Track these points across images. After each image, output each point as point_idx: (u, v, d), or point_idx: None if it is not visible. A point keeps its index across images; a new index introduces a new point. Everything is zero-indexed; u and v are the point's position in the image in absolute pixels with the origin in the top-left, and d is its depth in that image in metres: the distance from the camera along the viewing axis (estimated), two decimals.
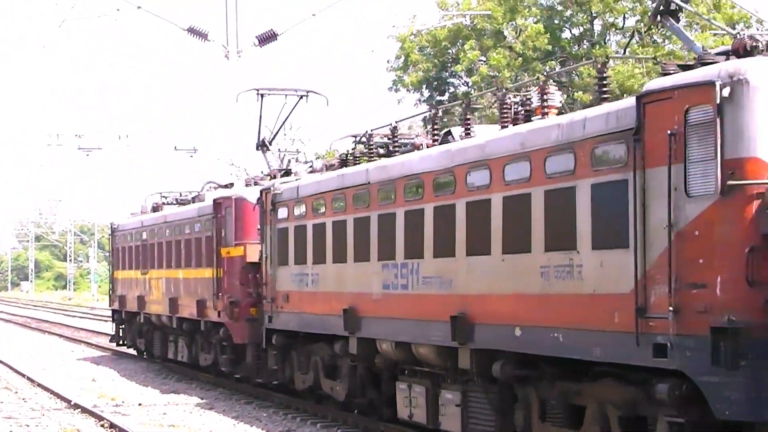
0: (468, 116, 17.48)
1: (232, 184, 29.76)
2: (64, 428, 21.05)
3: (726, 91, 10.96)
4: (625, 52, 47.10)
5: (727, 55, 12.30)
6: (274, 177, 25.32)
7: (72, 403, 24.45)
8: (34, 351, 40.99)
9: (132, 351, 37.03)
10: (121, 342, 37.49)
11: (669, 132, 11.50)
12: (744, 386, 10.71)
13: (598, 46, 48.48)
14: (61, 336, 49.93)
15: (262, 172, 28.01)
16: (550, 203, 13.58)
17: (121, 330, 37.37)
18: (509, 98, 16.42)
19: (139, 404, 24.66)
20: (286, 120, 28.20)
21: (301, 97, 27.73)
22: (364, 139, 21.41)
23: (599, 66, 14.41)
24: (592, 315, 12.77)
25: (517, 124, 15.75)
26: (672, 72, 12.46)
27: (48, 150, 54.02)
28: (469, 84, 50.46)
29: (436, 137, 18.31)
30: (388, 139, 20.56)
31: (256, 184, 26.49)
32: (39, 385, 28.68)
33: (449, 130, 17.96)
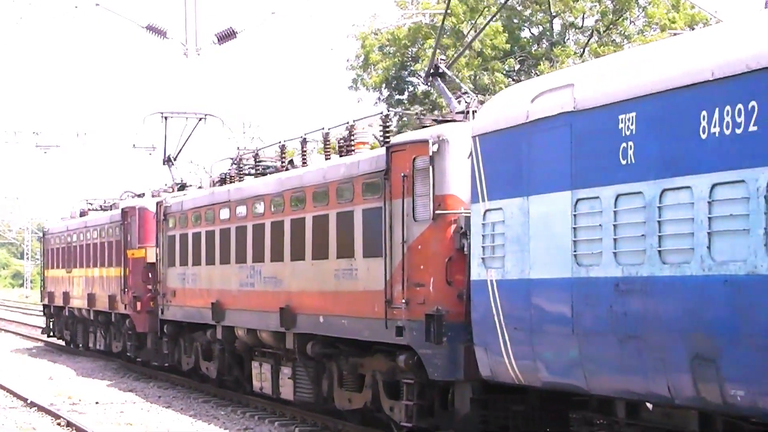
0: (304, 149, 21.90)
1: (143, 195, 34.03)
2: (20, 426, 21.04)
3: (435, 147, 15.45)
4: (584, 52, 47.68)
5: (464, 113, 16.84)
6: (174, 190, 29.74)
7: (28, 401, 24.32)
8: None
9: (61, 342, 41.26)
10: (51, 334, 41.73)
11: (403, 174, 15.99)
12: (445, 355, 15.19)
13: (557, 46, 48.31)
14: (17, 334, 49.61)
15: (165, 185, 32.27)
16: (340, 222, 18.06)
17: (51, 323, 41.63)
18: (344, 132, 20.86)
19: (96, 402, 24.71)
20: (188, 138, 32.56)
21: (200, 119, 32.11)
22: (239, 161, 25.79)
23: (383, 116, 18.86)
24: (363, 306, 17.24)
25: (343, 155, 20.14)
26: (428, 125, 16.97)
27: (5, 147, 53.50)
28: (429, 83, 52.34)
29: (283, 164, 22.72)
30: (257, 162, 24.93)
31: (159, 195, 30.82)
32: None
33: (292, 159, 22.44)
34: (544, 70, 43.72)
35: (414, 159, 15.89)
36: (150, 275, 29.15)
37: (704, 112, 10.36)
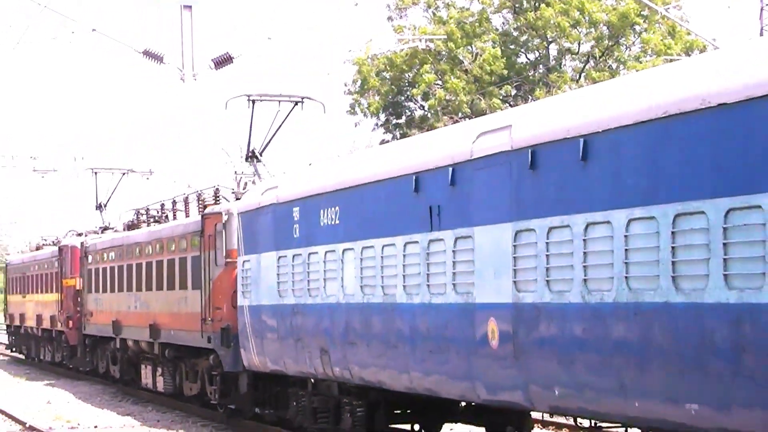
0: (175, 209, 29.79)
1: (82, 233, 41.91)
2: None
3: (226, 217, 23.35)
4: (580, 77, 48.68)
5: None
6: (101, 232, 37.72)
7: (27, 425, 24.78)
8: None
9: (21, 356, 49.11)
10: (13, 349, 49.71)
11: (209, 234, 23.90)
12: (231, 355, 23.01)
13: (554, 71, 48.74)
14: (17, 359, 50.55)
15: (96, 227, 40.12)
16: (180, 265, 25.98)
17: (12, 340, 49.62)
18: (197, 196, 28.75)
19: (95, 426, 25.19)
20: (115, 188, 40.52)
21: (124, 174, 40.10)
22: (140, 213, 33.74)
23: (215, 189, 26.69)
24: (192, 323, 25.11)
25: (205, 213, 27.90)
26: (241, 197, 24.83)
27: (3, 172, 54.10)
28: (425, 108, 51.04)
29: (158, 218, 30.62)
30: (158, 212, 32.79)
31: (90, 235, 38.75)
32: None
33: (167, 215, 30.39)
34: (540, 96, 44.33)
35: (215, 224, 23.80)
36: (78, 299, 37.05)
37: (321, 211, 18.27)
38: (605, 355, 11.54)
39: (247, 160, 26.47)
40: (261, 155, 26.42)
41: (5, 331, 52.57)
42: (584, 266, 11.85)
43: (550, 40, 50.10)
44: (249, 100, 25.68)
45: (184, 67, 26.51)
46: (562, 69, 50.10)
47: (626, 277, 11.13)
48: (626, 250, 11.13)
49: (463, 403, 18.29)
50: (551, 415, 20.19)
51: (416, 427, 19.47)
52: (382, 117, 53.24)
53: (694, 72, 10.69)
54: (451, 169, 14.46)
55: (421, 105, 52.09)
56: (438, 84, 49.29)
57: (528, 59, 51.43)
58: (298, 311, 19.19)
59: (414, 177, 15.39)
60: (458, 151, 14.40)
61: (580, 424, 17.55)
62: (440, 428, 19.89)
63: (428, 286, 15.07)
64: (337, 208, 17.83)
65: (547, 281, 12.48)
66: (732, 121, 9.78)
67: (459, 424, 20.14)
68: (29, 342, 46.12)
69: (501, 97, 48.81)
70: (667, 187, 10.59)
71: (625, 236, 11.13)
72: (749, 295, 9.56)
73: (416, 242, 15.36)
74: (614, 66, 48.78)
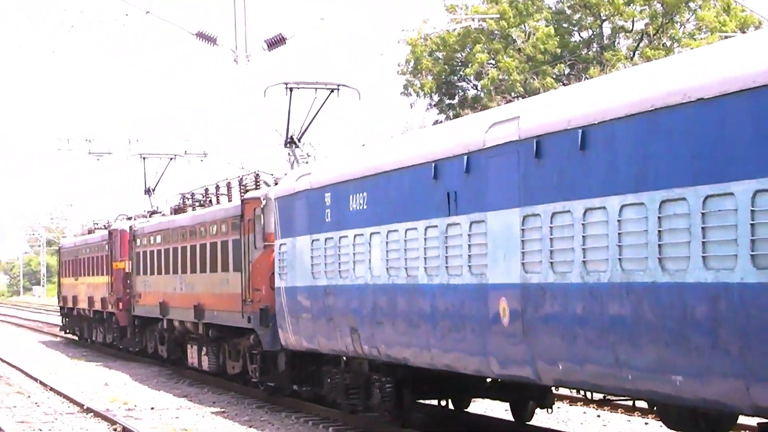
0: (218, 193, 30.81)
1: (132, 218, 43.14)
2: None
3: (264, 202, 24.32)
4: (634, 56, 48.67)
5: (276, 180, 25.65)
6: (149, 216, 38.90)
7: (84, 407, 24.98)
8: (46, 355, 42.97)
9: (73, 337, 50.58)
10: (66, 331, 51.15)
11: (248, 218, 24.89)
12: (270, 335, 24.02)
13: (608, 50, 48.52)
14: (72, 340, 50.94)
15: (145, 211, 41.31)
16: (222, 248, 27.02)
17: (66, 321, 51.05)
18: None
19: (152, 408, 25.31)
20: (163, 173, 41.67)
21: (171, 159, 41.21)
22: (185, 198, 34.82)
23: (255, 175, 27.70)
24: (233, 304, 26.15)
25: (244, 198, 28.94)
26: (275, 184, 25.82)
27: (58, 155, 56.79)
28: (478, 87, 51.19)
29: (202, 202, 31.67)
30: (202, 196, 33.85)
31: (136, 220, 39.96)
32: (51, 389, 29.28)
33: (211, 199, 31.44)
34: (594, 74, 44.42)
35: (254, 209, 24.80)
36: (128, 281, 38.26)
37: (351, 196, 19.19)
38: (602, 331, 12.38)
39: (286, 145, 27.42)
40: (299, 141, 27.35)
41: (59, 313, 54.08)
42: (583, 249, 12.67)
43: (603, 18, 49.91)
44: (287, 87, 26.60)
45: (238, 49, 27.08)
46: (616, 47, 49.89)
47: (619, 259, 11.96)
48: (619, 233, 11.96)
49: (489, 380, 19.17)
50: (556, 388, 21.02)
51: (443, 402, 20.41)
52: (435, 97, 53.49)
53: (679, 67, 11.48)
54: (466, 157, 15.31)
55: (474, 85, 52.30)
56: (491, 63, 49.40)
57: (581, 38, 51.23)
58: (330, 292, 20.13)
59: (433, 165, 16.25)
60: (472, 141, 15.25)
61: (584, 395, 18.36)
62: (468, 404, 20.84)
63: (447, 267, 15.94)
64: (365, 193, 18.74)
65: (551, 263, 13.31)
66: (709, 114, 10.58)
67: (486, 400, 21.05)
68: (82, 323, 47.50)
69: (554, 76, 48.83)
70: (654, 175, 11.40)
71: (618, 221, 11.96)
72: (724, 275, 10.36)
73: (435, 226, 16.23)
74: (668, 44, 48.76)
